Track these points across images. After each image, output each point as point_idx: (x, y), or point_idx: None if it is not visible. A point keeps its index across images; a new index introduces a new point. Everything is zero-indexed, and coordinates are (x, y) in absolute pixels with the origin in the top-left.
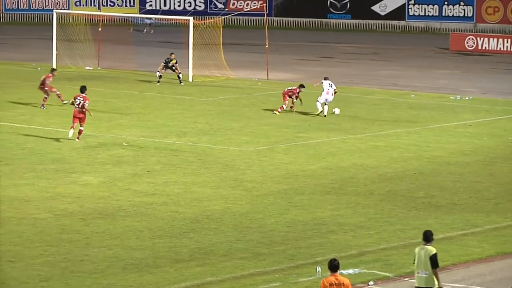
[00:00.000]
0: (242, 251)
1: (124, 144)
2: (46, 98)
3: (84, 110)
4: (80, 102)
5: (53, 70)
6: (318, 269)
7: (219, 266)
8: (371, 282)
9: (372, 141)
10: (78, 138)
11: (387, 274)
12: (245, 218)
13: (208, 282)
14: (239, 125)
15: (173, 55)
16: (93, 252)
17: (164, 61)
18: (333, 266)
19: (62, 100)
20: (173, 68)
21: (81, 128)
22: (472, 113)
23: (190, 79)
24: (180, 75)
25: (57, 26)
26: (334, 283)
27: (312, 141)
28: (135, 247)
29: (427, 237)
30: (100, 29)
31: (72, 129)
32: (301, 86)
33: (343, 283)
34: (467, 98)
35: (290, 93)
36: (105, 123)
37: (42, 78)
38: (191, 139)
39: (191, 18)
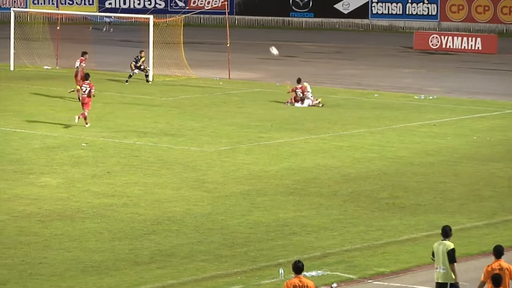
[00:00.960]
0: (203, 253)
1: (83, 144)
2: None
3: (91, 95)
4: (86, 89)
5: (84, 53)
6: (281, 271)
7: (180, 269)
8: (335, 284)
9: (335, 141)
10: (87, 123)
11: (351, 276)
12: (207, 220)
13: (169, 285)
14: (200, 125)
15: (143, 52)
16: (51, 254)
17: (134, 59)
18: (297, 268)
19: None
20: (142, 67)
21: (86, 113)
22: (436, 113)
23: (151, 79)
24: (149, 75)
25: (14, 25)
26: (298, 285)
27: (275, 141)
28: (95, 249)
29: (446, 232)
30: (58, 28)
31: (77, 117)
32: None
33: (307, 285)
34: (431, 97)
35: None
36: (64, 123)
37: (76, 68)
38: (152, 139)
39: (151, 17)
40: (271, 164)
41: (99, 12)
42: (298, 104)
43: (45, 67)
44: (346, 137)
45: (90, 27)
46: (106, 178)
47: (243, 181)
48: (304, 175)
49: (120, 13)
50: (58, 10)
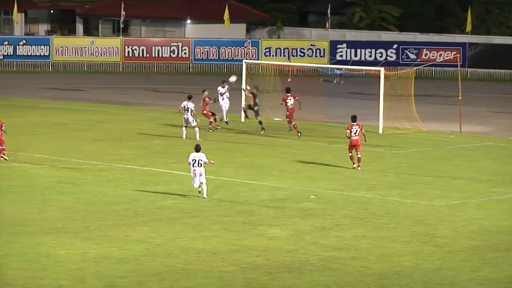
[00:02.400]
0: None
1: (312, 197)
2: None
3: (363, 138)
4: (356, 130)
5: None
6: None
7: None
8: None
9: None
10: (358, 166)
11: None
12: (436, 275)
13: None
14: (430, 179)
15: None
16: None
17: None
18: None
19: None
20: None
21: (359, 156)
22: None
23: (380, 131)
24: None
25: (246, 76)
26: None
27: (507, 196)
28: None
29: None
30: (289, 80)
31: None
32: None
33: None
34: None
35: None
36: (293, 175)
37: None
38: (381, 192)
39: (382, 69)
40: (503, 219)
41: (330, 64)
42: None
43: (276, 118)
44: None
45: (321, 79)
46: (334, 231)
47: (474, 236)
48: None
49: (351, 65)
50: (289, 62)
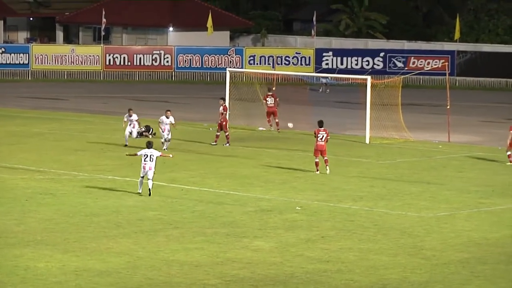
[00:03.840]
0: None
1: (297, 208)
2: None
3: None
4: (323, 136)
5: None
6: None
7: None
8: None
9: None
10: (327, 168)
11: None
12: None
13: None
14: (418, 190)
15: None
16: None
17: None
18: None
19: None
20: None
21: (326, 158)
22: None
23: (367, 141)
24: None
25: (230, 85)
26: None
27: (496, 207)
28: None
29: None
30: (274, 88)
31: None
32: None
33: None
34: None
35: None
36: (278, 186)
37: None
38: (368, 203)
39: (368, 77)
40: (492, 231)
41: (315, 72)
42: None
43: (260, 128)
44: None
45: (307, 88)
46: (320, 243)
47: (462, 249)
48: None
49: (336, 73)
50: (274, 70)
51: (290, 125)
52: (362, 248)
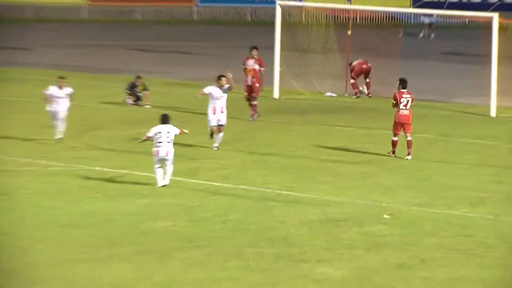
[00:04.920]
0: None
1: (385, 216)
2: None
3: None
4: (407, 101)
5: None
6: None
7: None
8: None
9: None
10: (409, 155)
11: None
12: None
13: None
14: None
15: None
16: None
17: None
18: None
19: None
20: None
21: (409, 138)
22: None
23: (493, 113)
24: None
25: (280, 29)
26: None
27: None
28: None
29: None
30: (349, 33)
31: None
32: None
33: None
34: None
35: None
36: (355, 182)
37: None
38: (492, 210)
39: (495, 15)
40: None
41: (413, 7)
42: None
43: (327, 94)
44: None
45: (400, 32)
46: (419, 269)
47: None
48: None
49: (446, 9)
50: (350, 5)
51: (329, 94)
52: (485, 278)
